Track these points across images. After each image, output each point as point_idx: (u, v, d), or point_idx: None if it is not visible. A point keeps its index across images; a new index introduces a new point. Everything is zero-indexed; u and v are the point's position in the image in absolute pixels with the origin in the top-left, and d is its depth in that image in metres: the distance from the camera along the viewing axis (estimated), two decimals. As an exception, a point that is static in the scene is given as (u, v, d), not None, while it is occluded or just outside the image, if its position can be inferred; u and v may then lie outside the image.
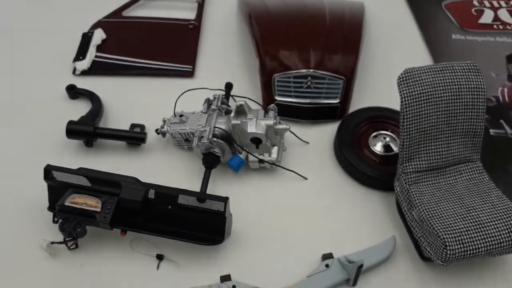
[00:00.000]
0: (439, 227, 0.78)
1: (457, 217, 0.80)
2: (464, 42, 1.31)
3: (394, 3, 1.44)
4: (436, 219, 0.80)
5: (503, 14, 1.40)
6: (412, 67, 0.86)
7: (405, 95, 0.84)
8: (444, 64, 0.87)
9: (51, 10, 1.35)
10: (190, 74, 1.19)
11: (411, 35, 1.34)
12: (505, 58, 1.26)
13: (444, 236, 0.77)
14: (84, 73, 1.17)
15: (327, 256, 0.84)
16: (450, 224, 0.79)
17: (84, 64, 1.17)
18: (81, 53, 1.20)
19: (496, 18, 1.39)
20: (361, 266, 0.78)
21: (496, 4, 1.43)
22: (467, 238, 0.77)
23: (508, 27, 1.36)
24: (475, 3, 1.44)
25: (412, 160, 0.87)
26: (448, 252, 0.76)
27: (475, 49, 1.29)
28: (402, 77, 0.85)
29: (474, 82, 0.87)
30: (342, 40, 1.14)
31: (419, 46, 1.30)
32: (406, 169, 0.87)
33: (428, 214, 0.81)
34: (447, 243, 0.76)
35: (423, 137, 0.86)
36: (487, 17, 1.40)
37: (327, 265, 0.82)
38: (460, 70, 0.87)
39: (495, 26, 1.36)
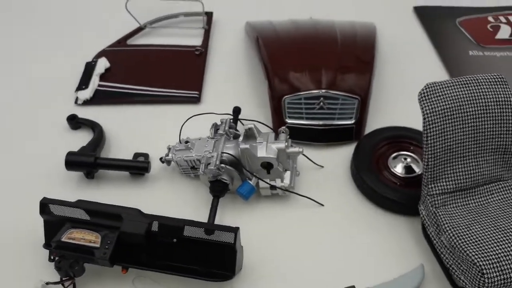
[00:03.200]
0: (473, 253, 0.70)
1: (492, 241, 0.72)
2: (482, 58, 1.26)
3: (406, 23, 1.39)
4: (470, 244, 0.72)
5: (520, 28, 1.35)
6: (434, 82, 0.80)
7: (428, 111, 0.78)
8: (468, 78, 0.81)
9: (55, 39, 1.33)
10: (196, 100, 1.14)
11: (426, 53, 1.28)
12: (527, 72, 1.20)
13: (480, 262, 0.69)
14: (87, 102, 1.13)
15: (350, 290, 0.76)
16: (486, 249, 0.71)
17: (86, 94, 1.13)
18: (83, 83, 1.16)
19: (513, 33, 1.34)
20: (389, 300, 0.70)
21: (512, 19, 1.38)
22: (507, 264, 0.68)
23: (527, 41, 1.31)
24: (490, 19, 1.39)
25: (438, 181, 0.80)
26: (486, 280, 0.68)
27: (494, 65, 1.24)
28: (424, 93, 0.79)
29: (502, 95, 0.80)
30: (355, 60, 1.10)
31: (435, 64, 1.25)
32: (431, 190, 0.80)
33: (460, 239, 0.73)
34: (485, 271, 0.68)
35: (449, 156, 0.79)
36: (504, 32, 1.35)
37: (350, 300, 0.74)
38: (486, 83, 0.80)
39: (513, 41, 1.31)
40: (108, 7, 1.43)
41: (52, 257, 0.78)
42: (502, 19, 1.40)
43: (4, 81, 1.20)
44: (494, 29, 1.36)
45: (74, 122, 1.07)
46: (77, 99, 1.14)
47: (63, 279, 0.77)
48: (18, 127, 1.08)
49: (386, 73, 1.21)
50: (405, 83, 1.17)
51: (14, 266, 0.82)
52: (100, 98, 1.14)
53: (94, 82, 1.16)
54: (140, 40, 1.33)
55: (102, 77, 1.19)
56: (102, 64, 1.21)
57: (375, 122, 1.05)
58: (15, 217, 0.89)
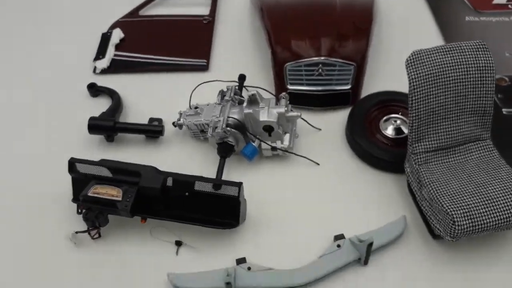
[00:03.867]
0: (447, 204, 0.79)
1: (466, 194, 0.81)
2: (477, 23, 1.30)
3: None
4: (445, 197, 0.81)
5: (518, -7, 1.39)
6: (420, 49, 0.87)
7: (413, 76, 0.85)
8: (452, 45, 0.88)
9: (71, 12, 1.41)
10: (205, 68, 1.22)
11: (423, 19, 1.34)
12: (520, 37, 1.25)
13: (452, 212, 0.78)
14: (104, 71, 1.22)
15: (339, 237, 0.86)
16: (459, 201, 0.80)
17: (103, 63, 1.22)
18: (100, 53, 1.25)
19: (511, -2, 1.37)
20: (371, 244, 0.80)
21: (511, -16, 1.42)
22: (475, 213, 0.78)
23: (523, 6, 1.34)
24: (489, -17, 1.43)
25: (422, 141, 0.88)
26: (457, 227, 0.77)
27: (489, 30, 1.29)
28: (410, 59, 0.86)
29: (483, 61, 0.87)
30: (352, 27, 1.16)
31: (431, 29, 1.30)
32: (415, 149, 0.89)
33: (438, 192, 0.82)
34: (455, 219, 0.77)
35: (432, 118, 0.87)
36: (502, -4, 1.38)
37: (338, 245, 0.84)
38: (468, 50, 0.87)
39: (510, 6, 1.35)
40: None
41: (79, 210, 0.89)
42: (501, -17, 1.43)
43: (27, 54, 1.29)
44: (493, -6, 1.40)
45: (94, 90, 1.16)
46: (95, 68, 1.23)
47: (90, 228, 0.88)
48: (43, 96, 1.18)
49: (384, 38, 1.27)
50: (401, 49, 1.21)
51: (47, 219, 0.94)
52: (116, 67, 1.23)
53: (110, 52, 1.25)
54: (151, 10, 1.40)
55: (118, 47, 1.27)
56: (117, 35, 1.29)
57: (372, 86, 1.12)
58: (45, 177, 1.00)
